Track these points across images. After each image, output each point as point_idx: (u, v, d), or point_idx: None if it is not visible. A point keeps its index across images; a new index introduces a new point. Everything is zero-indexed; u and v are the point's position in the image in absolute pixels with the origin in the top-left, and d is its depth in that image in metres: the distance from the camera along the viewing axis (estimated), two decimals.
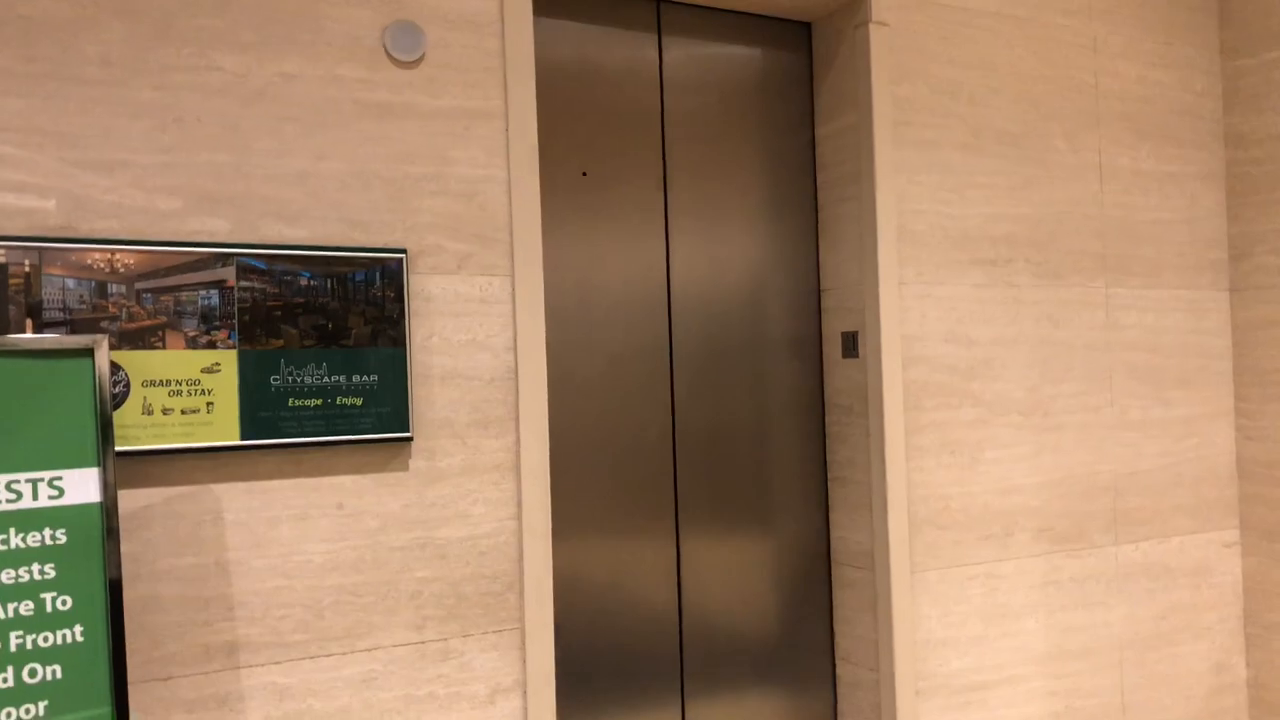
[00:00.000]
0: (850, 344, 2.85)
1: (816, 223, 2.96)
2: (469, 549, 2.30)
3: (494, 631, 2.31)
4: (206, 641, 2.05)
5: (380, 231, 2.23)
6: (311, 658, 2.14)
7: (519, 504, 2.34)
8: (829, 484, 2.94)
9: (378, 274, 2.18)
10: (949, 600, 2.85)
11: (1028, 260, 3.01)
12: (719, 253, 2.83)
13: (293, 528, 2.13)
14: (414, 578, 2.24)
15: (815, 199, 2.96)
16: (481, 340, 2.32)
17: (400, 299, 2.20)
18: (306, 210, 2.16)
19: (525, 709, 2.33)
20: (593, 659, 2.64)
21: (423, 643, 2.24)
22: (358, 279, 2.16)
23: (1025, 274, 3.00)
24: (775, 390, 2.88)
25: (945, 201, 2.88)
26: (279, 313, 2.09)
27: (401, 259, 2.20)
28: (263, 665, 2.10)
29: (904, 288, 2.80)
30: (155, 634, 2.01)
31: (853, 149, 2.83)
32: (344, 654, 2.17)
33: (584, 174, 2.65)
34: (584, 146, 2.67)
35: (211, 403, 2.03)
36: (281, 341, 2.09)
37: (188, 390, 2.02)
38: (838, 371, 2.90)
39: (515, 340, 2.34)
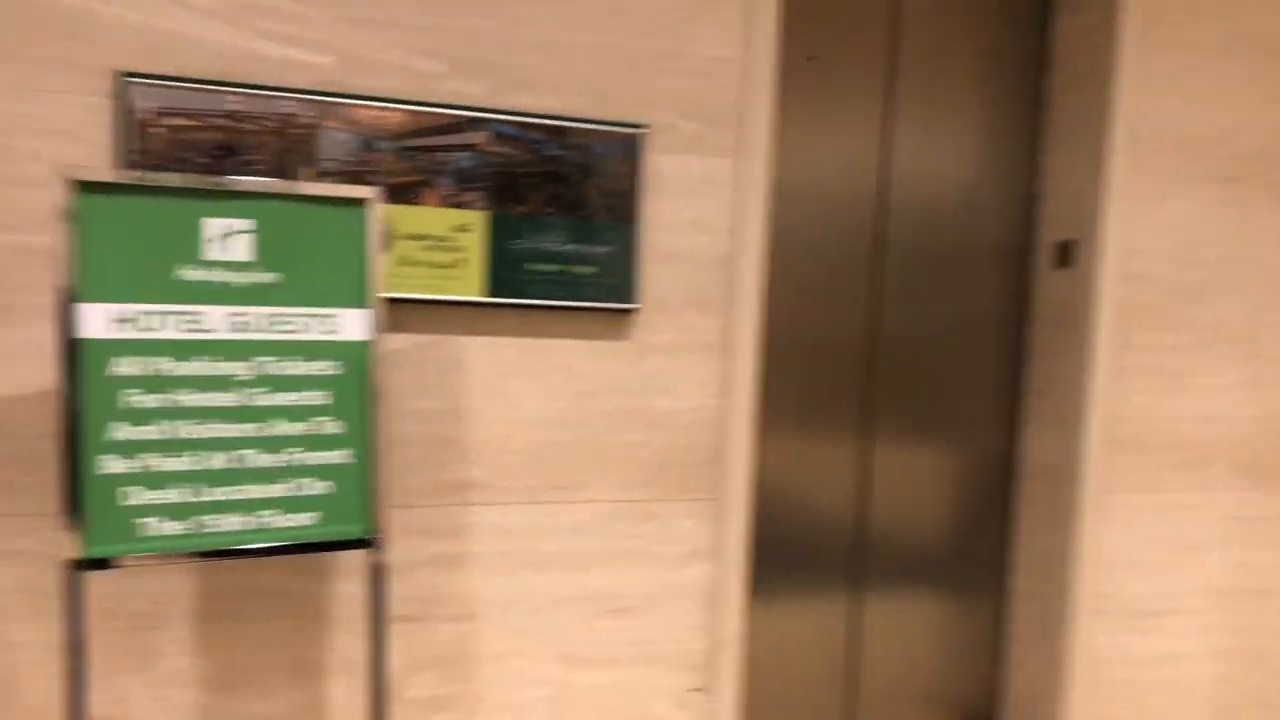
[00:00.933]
0: (1064, 254, 2.81)
1: (1039, 125, 2.88)
2: (675, 421, 2.44)
3: (691, 500, 2.47)
4: (442, 478, 2.27)
5: (622, 106, 2.31)
6: (529, 503, 2.34)
7: (724, 384, 2.46)
8: (1026, 397, 2.95)
9: (617, 148, 2.28)
10: (1135, 524, 2.85)
11: (1267, 181, 2.86)
12: (937, 149, 2.80)
13: (522, 383, 2.31)
14: (624, 441, 2.40)
15: (1040, 101, 2.88)
16: (703, 221, 2.40)
17: (636, 174, 2.29)
18: (555, 81, 2.25)
19: (715, 574, 2.50)
20: (779, 540, 2.78)
21: (627, 501, 2.42)
22: (599, 151, 2.26)
23: (1262, 194, 2.86)
24: (979, 296, 2.87)
25: (1186, 110, 2.76)
26: (525, 179, 2.22)
27: (641, 135, 2.28)
28: (488, 505, 2.31)
29: (1130, 199, 2.73)
30: (399, 466, 2.24)
31: (1092, 48, 2.72)
32: (557, 503, 2.37)
33: (810, 58, 2.65)
34: (813, 30, 2.66)
35: (462, 259, 2.19)
36: (525, 207, 2.23)
37: (441, 246, 2.18)
38: (1048, 282, 2.87)
39: (734, 224, 2.42)
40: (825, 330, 2.74)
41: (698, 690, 2.52)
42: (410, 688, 2.30)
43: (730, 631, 2.51)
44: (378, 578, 1.98)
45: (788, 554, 2.79)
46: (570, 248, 2.28)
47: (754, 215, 2.42)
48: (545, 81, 2.25)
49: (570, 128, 2.24)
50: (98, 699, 2.07)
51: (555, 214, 2.26)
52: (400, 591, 2.28)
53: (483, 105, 2.20)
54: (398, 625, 2.27)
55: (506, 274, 2.23)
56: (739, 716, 2.56)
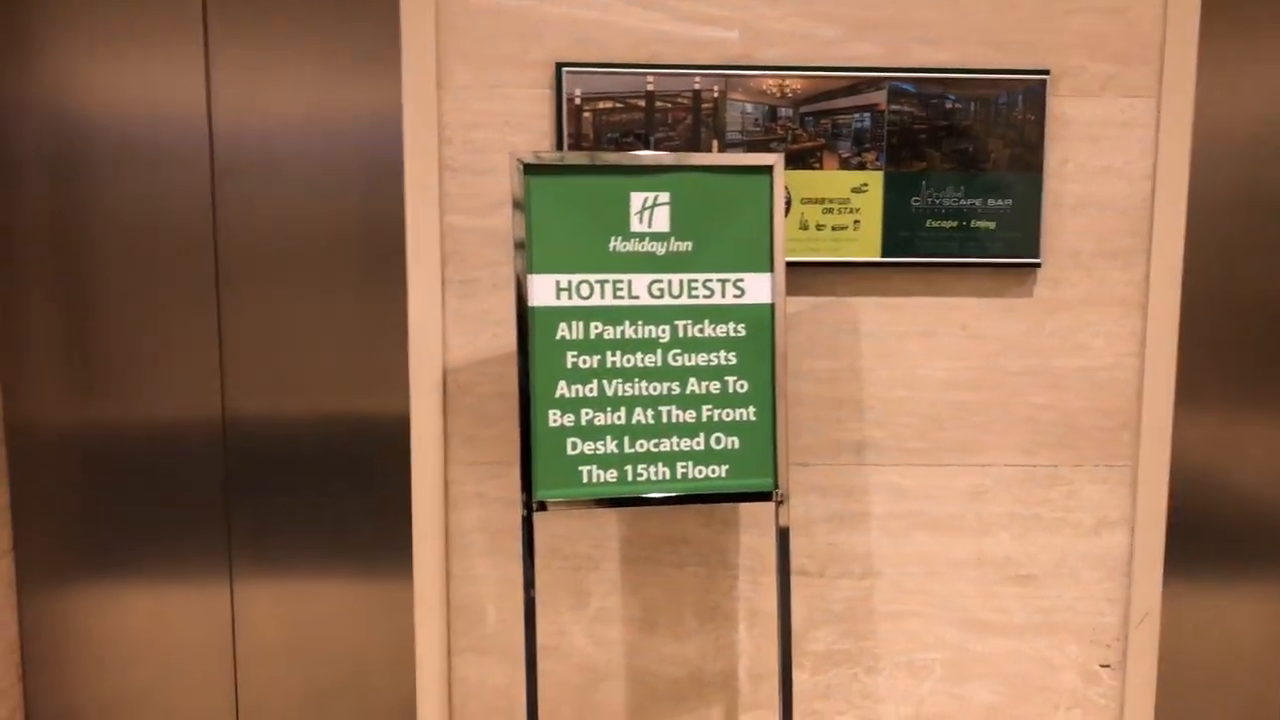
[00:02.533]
0: None
1: None
2: (1085, 381, 2.35)
3: (1105, 465, 2.36)
4: (838, 438, 2.35)
5: (1021, 53, 2.25)
6: (927, 465, 2.37)
7: (1142, 341, 2.32)
8: None
9: (1019, 97, 2.22)
10: None
11: None
12: None
13: (918, 343, 2.33)
14: (1028, 403, 2.35)
15: None
16: (1118, 167, 2.28)
17: (1040, 122, 2.22)
18: (952, 33, 2.24)
19: (1131, 545, 2.38)
20: (1203, 512, 2.59)
21: (1032, 466, 2.37)
22: (999, 102, 2.22)
23: None
24: None
25: None
26: (923, 135, 2.23)
27: (1044, 81, 2.21)
28: (884, 466, 2.36)
29: None
30: (797, 425, 2.36)
31: None
32: (957, 465, 2.37)
33: None
34: None
35: (858, 220, 2.25)
36: (924, 164, 2.24)
37: (839, 208, 2.25)
38: None
39: (1155, 168, 2.27)
40: (1250, 287, 2.49)
41: (1107, 666, 2.42)
42: (811, 640, 2.41)
43: (1146, 606, 2.38)
44: (782, 531, 2.11)
45: (1213, 527, 2.59)
46: (969, 203, 2.25)
47: (1177, 157, 2.25)
48: (942, 35, 2.24)
49: (970, 79, 2.21)
50: (543, 630, 2.38)
51: (954, 169, 2.24)
52: (800, 547, 2.39)
53: (880, 65, 2.23)
54: (798, 578, 2.39)
55: (903, 233, 2.26)
56: (1152, 696, 2.43)
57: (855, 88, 2.21)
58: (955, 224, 2.25)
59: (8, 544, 2.52)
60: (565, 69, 2.19)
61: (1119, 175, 2.28)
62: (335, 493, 2.55)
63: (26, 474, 2.52)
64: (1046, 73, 2.21)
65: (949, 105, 2.22)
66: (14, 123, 2.42)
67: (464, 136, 2.24)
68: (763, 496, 2.09)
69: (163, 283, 2.46)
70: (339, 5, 2.38)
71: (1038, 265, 2.27)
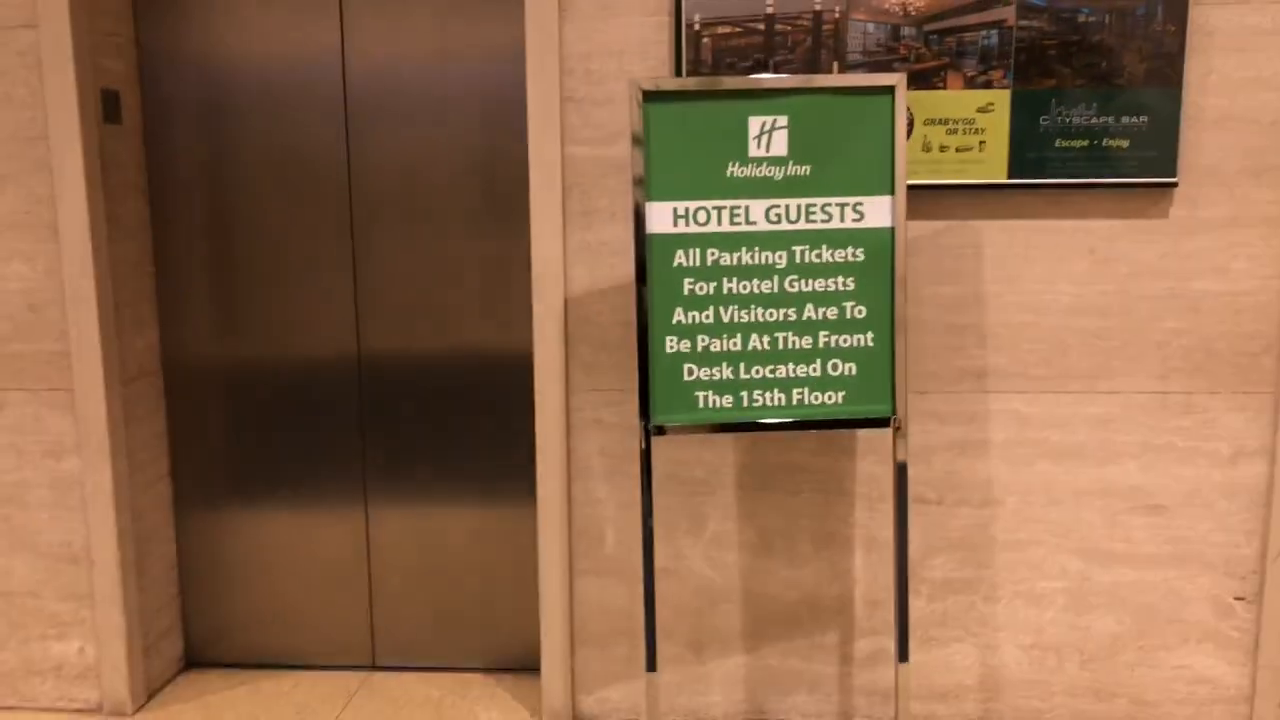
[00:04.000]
0: None
1: None
2: (1224, 305, 2.28)
3: (1243, 393, 2.30)
4: (959, 365, 2.35)
5: None
6: (1052, 392, 2.35)
7: None
8: None
9: (1158, 6, 2.14)
10: None
11: None
12: None
13: (1045, 267, 2.30)
14: (1162, 328, 2.30)
15: None
16: (1267, 77, 2.18)
17: (1181, 32, 2.14)
18: None
19: (1271, 475, 2.33)
20: None
21: (1164, 393, 2.33)
22: (1137, 13, 2.14)
23: None
24: None
25: None
26: (1053, 51, 2.18)
27: None
28: (1007, 393, 2.36)
29: None
30: (917, 352, 2.36)
31: None
32: (1083, 393, 2.35)
33: None
34: None
35: (983, 141, 2.23)
36: (1054, 81, 2.19)
37: (963, 129, 2.23)
38: None
39: None
40: None
41: (1241, 599, 2.39)
42: (929, 568, 2.44)
43: None
44: (900, 458, 2.14)
45: None
46: (1101, 120, 2.20)
47: None
48: None
49: None
50: (661, 553, 2.48)
51: (1085, 85, 2.19)
52: (918, 474, 2.41)
53: None
54: (916, 506, 2.42)
55: (1031, 153, 2.22)
56: None
57: (982, 3, 2.17)
58: (1086, 143, 2.20)
59: (165, 469, 2.75)
60: None
61: (1267, 86, 2.18)
62: (462, 421, 2.69)
63: (181, 405, 2.74)
64: None
65: (1082, 19, 2.16)
66: (165, 72, 2.59)
67: (584, 66, 2.29)
68: (880, 423, 2.13)
69: (302, 223, 2.62)
70: None
71: (1174, 185, 2.20)
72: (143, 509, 2.64)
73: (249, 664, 2.82)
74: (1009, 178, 2.22)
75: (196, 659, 2.84)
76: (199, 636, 2.82)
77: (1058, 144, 2.21)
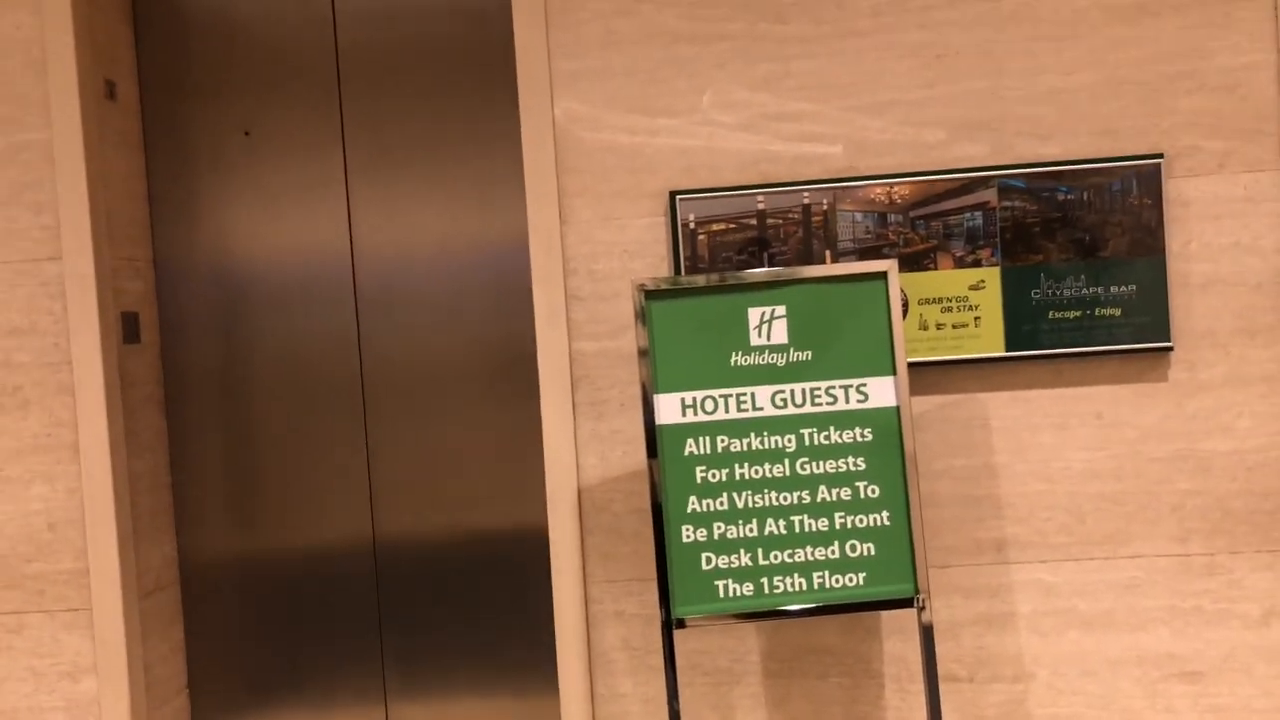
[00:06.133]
0: None
1: None
2: (1234, 464, 2.35)
3: (1266, 551, 2.34)
4: (977, 536, 2.41)
5: (1132, 138, 2.34)
6: (1074, 560, 2.39)
7: None
8: None
9: (1133, 182, 2.30)
10: None
11: None
12: None
13: (1053, 435, 2.38)
14: (1175, 490, 2.36)
15: None
16: (1246, 243, 2.32)
17: (1157, 205, 2.30)
18: (1058, 126, 2.34)
19: None
20: None
21: (1186, 555, 2.36)
22: (1113, 189, 2.30)
23: None
24: None
25: None
26: (1037, 229, 2.33)
27: (1158, 164, 2.29)
28: (1029, 563, 2.40)
29: None
30: (933, 526, 2.42)
31: None
32: (1106, 559, 2.38)
33: None
34: None
35: (978, 317, 2.35)
36: (1040, 256, 2.33)
37: (957, 306, 2.36)
38: None
39: None
40: None
41: None
42: None
43: None
44: (927, 637, 2.16)
45: None
46: (1091, 291, 2.33)
47: None
48: (1048, 130, 2.35)
49: (1080, 170, 2.31)
50: None
51: (1072, 259, 2.33)
52: (946, 651, 2.43)
53: (987, 164, 2.35)
54: (947, 685, 2.42)
55: (1026, 326, 2.34)
56: None
57: (964, 188, 2.33)
58: (1079, 313, 2.32)
59: (182, 682, 2.77)
60: (678, 196, 2.38)
61: (1249, 251, 2.32)
62: (480, 610, 2.73)
63: (198, 614, 2.79)
64: (1160, 156, 2.29)
65: (1061, 197, 2.32)
66: (180, 287, 2.76)
67: (587, 267, 2.45)
68: (904, 603, 2.16)
69: (316, 414, 2.74)
70: (465, 148, 2.66)
71: (1170, 349, 2.31)
72: None
73: None
74: (1007, 351, 2.33)
75: None
76: None
77: (1051, 315, 2.33)
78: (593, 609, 2.48)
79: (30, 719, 2.58)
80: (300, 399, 2.73)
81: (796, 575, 2.18)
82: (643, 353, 2.14)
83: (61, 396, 2.52)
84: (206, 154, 2.72)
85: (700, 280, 2.17)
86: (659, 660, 2.47)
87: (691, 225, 2.38)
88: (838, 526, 2.19)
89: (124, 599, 2.52)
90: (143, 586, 2.61)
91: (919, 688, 2.42)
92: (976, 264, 2.34)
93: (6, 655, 2.56)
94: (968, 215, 2.34)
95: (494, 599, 2.71)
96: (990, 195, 2.33)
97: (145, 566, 2.63)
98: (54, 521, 2.54)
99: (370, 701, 2.76)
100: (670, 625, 2.12)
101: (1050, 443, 2.39)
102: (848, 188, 2.35)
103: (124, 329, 2.61)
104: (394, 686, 2.77)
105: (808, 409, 2.19)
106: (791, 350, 2.19)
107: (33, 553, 2.55)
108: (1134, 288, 2.32)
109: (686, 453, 2.17)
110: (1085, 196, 2.32)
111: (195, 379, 2.74)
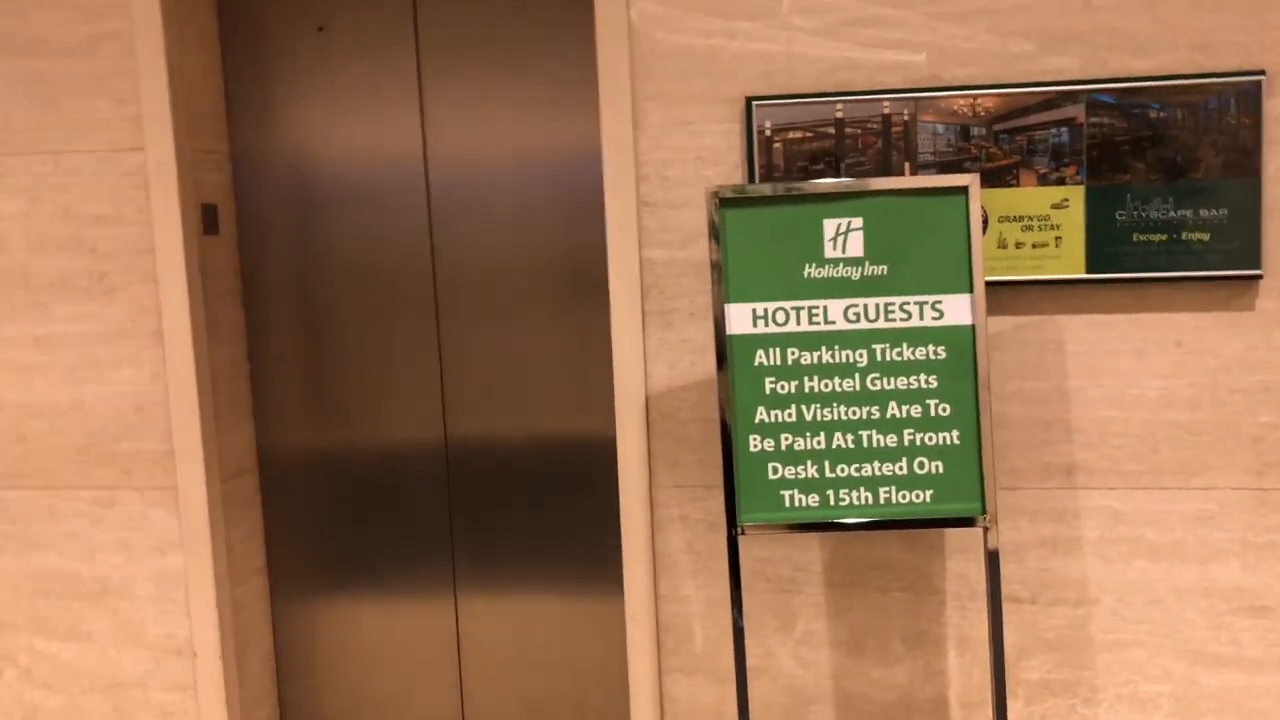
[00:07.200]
0: None
1: None
2: None
3: None
4: (1047, 461, 2.41)
5: (1231, 54, 2.27)
6: (1145, 488, 2.39)
7: None
8: None
9: (1230, 100, 2.25)
10: None
11: None
12: None
13: (1130, 361, 2.37)
14: (1256, 422, 2.34)
15: None
16: None
17: (1256, 126, 2.24)
18: (1153, 39, 2.29)
19: None
20: None
21: (1263, 490, 2.35)
22: (1209, 107, 2.25)
23: None
24: None
25: None
26: (1126, 147, 2.29)
27: (1259, 82, 2.23)
28: (1098, 489, 2.40)
29: None
30: (1003, 448, 2.43)
31: None
32: (1177, 489, 2.38)
33: None
34: None
35: (1059, 237, 2.33)
36: (1128, 176, 2.30)
37: (1038, 225, 2.34)
38: None
39: None
40: None
41: None
42: (1024, 669, 2.46)
43: None
44: (992, 556, 2.19)
45: None
46: (1179, 214, 2.29)
47: None
48: (1142, 43, 2.30)
49: (1174, 87, 2.26)
50: (750, 651, 2.54)
51: (1161, 180, 2.29)
52: (1009, 573, 2.46)
53: (1077, 78, 2.31)
54: (1009, 605, 2.46)
55: (1108, 248, 2.32)
56: None
57: (1051, 102, 2.30)
58: (1165, 237, 2.29)
59: (261, 562, 2.92)
60: (754, 102, 2.38)
61: None
62: (549, 511, 2.83)
63: (275, 499, 2.93)
64: (1262, 73, 2.23)
65: (1153, 114, 2.27)
66: (257, 182, 2.84)
67: (659, 173, 2.47)
68: (969, 522, 2.19)
69: (389, 316, 2.82)
70: (538, 50, 2.68)
71: (1259, 276, 2.27)
72: (241, 603, 2.81)
73: None
74: (1088, 273, 2.32)
75: None
76: None
77: (1135, 238, 2.30)
78: (658, 513, 2.55)
79: (123, 588, 2.76)
80: (374, 299, 2.81)
81: (863, 489, 2.21)
82: (714, 262, 2.18)
83: (146, 284, 2.63)
84: (280, 49, 2.78)
85: (776, 189, 2.18)
86: (721, 565, 2.54)
87: (767, 132, 2.38)
88: (906, 443, 2.21)
89: (207, 480, 2.67)
90: (224, 470, 2.75)
91: (979, 605, 2.45)
92: (1060, 182, 2.31)
93: (100, 527, 2.73)
94: (1053, 131, 2.30)
95: (561, 501, 2.80)
96: (1078, 111, 2.29)
97: (226, 451, 2.76)
98: (141, 404, 2.68)
99: (440, 591, 2.89)
100: (735, 532, 2.18)
101: (1127, 369, 2.37)
102: (929, 98, 2.33)
103: (204, 220, 2.71)
104: (463, 578, 2.89)
105: (881, 324, 2.20)
106: (867, 264, 2.20)
107: (122, 432, 2.70)
108: (1225, 212, 2.27)
109: (756, 363, 2.21)
110: (1178, 115, 2.27)
111: (271, 274, 2.84)
